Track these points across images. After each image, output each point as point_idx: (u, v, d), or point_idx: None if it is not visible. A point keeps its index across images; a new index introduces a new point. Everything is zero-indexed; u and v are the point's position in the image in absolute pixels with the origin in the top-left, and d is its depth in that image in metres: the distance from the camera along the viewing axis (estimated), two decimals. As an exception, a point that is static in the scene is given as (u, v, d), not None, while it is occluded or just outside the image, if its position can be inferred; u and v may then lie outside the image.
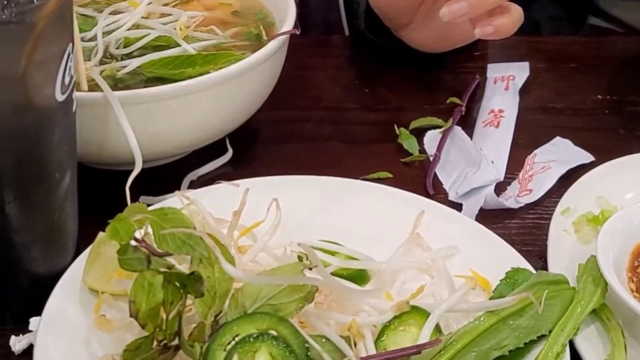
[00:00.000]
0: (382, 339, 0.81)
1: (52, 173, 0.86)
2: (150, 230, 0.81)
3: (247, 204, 0.92)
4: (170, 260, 0.80)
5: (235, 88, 1.03)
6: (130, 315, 0.79)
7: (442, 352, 0.79)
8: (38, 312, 0.85)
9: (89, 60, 1.06)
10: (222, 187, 0.97)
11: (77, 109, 0.89)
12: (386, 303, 0.84)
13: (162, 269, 0.79)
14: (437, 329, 0.82)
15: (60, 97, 0.84)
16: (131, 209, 0.82)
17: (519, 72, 1.24)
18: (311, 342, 0.76)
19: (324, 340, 0.79)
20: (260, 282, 0.79)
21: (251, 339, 0.75)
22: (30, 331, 0.87)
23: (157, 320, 0.79)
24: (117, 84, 1.04)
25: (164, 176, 1.08)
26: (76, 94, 0.89)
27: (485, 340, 0.80)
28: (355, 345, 0.80)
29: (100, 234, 0.89)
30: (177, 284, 0.79)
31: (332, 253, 0.91)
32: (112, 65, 1.06)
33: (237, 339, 0.76)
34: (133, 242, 0.79)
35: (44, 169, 0.85)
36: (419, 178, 1.09)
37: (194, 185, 1.07)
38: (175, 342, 0.79)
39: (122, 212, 0.81)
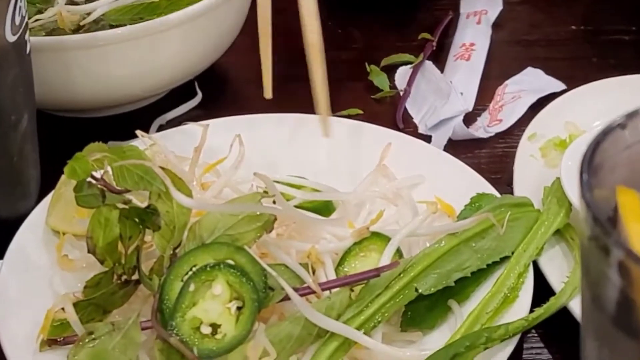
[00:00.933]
0: (342, 266, 0.81)
1: (7, 115, 0.85)
2: (109, 169, 0.81)
3: (215, 144, 0.91)
4: (129, 196, 0.80)
5: (201, 27, 1.02)
6: (88, 251, 0.78)
7: (402, 275, 0.78)
8: (2, 255, 0.85)
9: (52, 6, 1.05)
10: (189, 128, 0.96)
11: (36, 54, 0.88)
12: (347, 231, 0.83)
13: (119, 205, 0.79)
14: (399, 253, 0.81)
15: (11, 38, 0.83)
16: (90, 148, 0.82)
17: (492, 6, 1.23)
18: (268, 269, 0.76)
19: (283, 268, 0.79)
20: (215, 211, 0.78)
21: (208, 268, 0.75)
22: None
23: (115, 255, 0.79)
24: (80, 31, 1.03)
25: (133, 122, 1.05)
26: (33, 38, 0.88)
27: (446, 262, 0.80)
28: (314, 272, 0.79)
29: (63, 177, 0.87)
30: (136, 219, 0.79)
31: (298, 187, 0.91)
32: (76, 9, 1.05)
33: (194, 269, 0.75)
34: (89, 179, 0.80)
35: (-2, 111, 0.85)
36: (390, 113, 1.09)
37: (163, 129, 1.06)
38: (135, 276, 0.79)
39: None
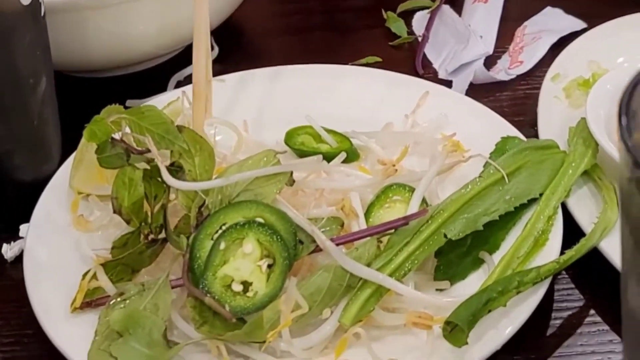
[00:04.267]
0: (369, 218, 0.80)
1: (25, 79, 0.85)
2: (128, 130, 0.80)
3: (236, 99, 0.91)
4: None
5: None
6: (114, 212, 0.79)
7: (430, 221, 0.77)
8: (28, 219, 0.85)
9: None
10: (208, 84, 0.95)
11: (50, 16, 0.88)
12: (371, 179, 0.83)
13: (142, 164, 0.79)
14: (424, 202, 0.81)
15: (25, 1, 0.83)
16: (108, 110, 0.81)
17: (508, -55, 1.20)
18: (303, 222, 0.75)
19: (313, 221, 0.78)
20: (233, 180, 0.77)
21: (238, 227, 0.74)
22: (21, 238, 0.87)
23: (141, 215, 0.79)
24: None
25: (150, 79, 1.07)
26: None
27: (474, 206, 0.79)
28: (342, 225, 0.79)
29: (84, 139, 0.88)
30: (159, 178, 0.78)
31: (328, 131, 0.90)
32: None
33: (224, 227, 0.75)
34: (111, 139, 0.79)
35: (17, 75, 0.84)
36: (409, 60, 1.07)
37: (181, 85, 1.04)
38: (162, 235, 0.79)
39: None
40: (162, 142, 0.78)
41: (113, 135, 0.79)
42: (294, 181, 0.78)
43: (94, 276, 0.77)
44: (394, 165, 0.79)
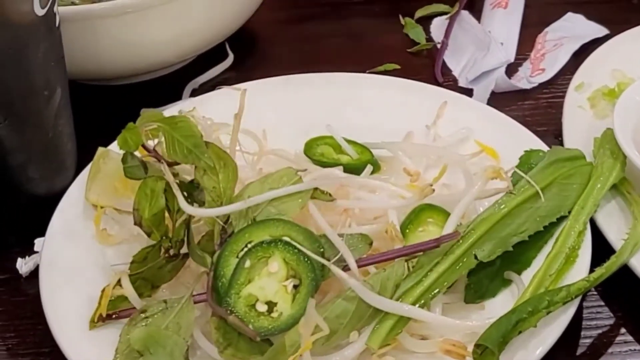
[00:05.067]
0: (403, 241, 0.78)
1: (40, 90, 0.84)
2: (163, 139, 0.79)
3: (253, 107, 0.88)
4: (176, 168, 0.79)
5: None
6: (135, 223, 0.77)
7: (461, 241, 0.76)
8: (43, 232, 0.83)
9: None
10: (224, 92, 0.93)
11: (64, 25, 0.86)
12: (403, 191, 0.81)
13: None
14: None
15: (40, 12, 0.81)
16: (145, 117, 0.79)
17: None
18: (336, 239, 0.73)
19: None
20: (254, 202, 0.76)
21: (264, 245, 0.73)
22: (36, 252, 0.86)
23: (162, 228, 0.77)
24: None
25: (165, 87, 1.05)
26: (60, 8, 0.86)
27: (504, 226, 0.77)
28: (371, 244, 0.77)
29: (100, 149, 0.87)
30: (185, 192, 0.77)
31: (349, 142, 0.88)
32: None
33: (249, 245, 0.73)
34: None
35: (31, 87, 0.83)
36: (428, 67, 1.06)
37: (196, 93, 1.04)
38: (183, 250, 0.77)
39: (121, 127, 0.78)
40: (190, 156, 0.77)
41: (145, 144, 0.78)
42: (333, 199, 0.77)
43: (118, 283, 0.76)
44: (431, 185, 0.77)
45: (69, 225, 0.84)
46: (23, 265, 0.86)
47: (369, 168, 0.86)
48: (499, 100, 0.99)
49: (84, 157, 0.89)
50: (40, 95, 0.84)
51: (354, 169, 0.85)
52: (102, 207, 0.84)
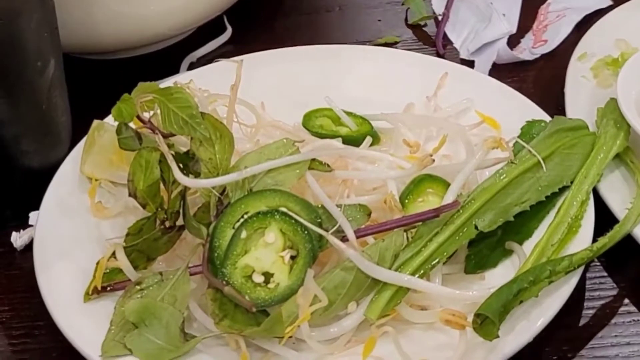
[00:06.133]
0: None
1: (33, 61, 0.82)
2: (159, 111, 0.78)
3: (251, 80, 0.87)
4: (171, 140, 0.77)
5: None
6: (129, 195, 0.76)
7: (461, 211, 0.74)
8: (37, 206, 0.82)
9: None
10: (222, 65, 0.91)
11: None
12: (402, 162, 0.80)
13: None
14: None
15: (32, -20, 0.80)
16: (140, 88, 0.78)
17: None
18: (335, 212, 0.72)
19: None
20: (250, 173, 0.75)
21: (260, 215, 0.72)
22: (31, 226, 0.85)
23: (157, 200, 0.76)
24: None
25: (162, 61, 1.04)
26: (54, -22, 0.84)
27: (505, 196, 0.76)
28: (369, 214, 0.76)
29: (95, 122, 0.86)
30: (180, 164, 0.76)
31: (348, 114, 0.87)
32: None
33: (246, 216, 0.72)
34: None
35: (24, 58, 0.82)
36: (428, 39, 1.04)
37: (193, 67, 1.02)
38: (179, 222, 0.76)
39: (116, 101, 0.77)
40: (185, 128, 0.76)
41: (141, 115, 0.77)
42: (332, 169, 0.76)
43: (113, 256, 0.75)
44: (431, 156, 0.76)
45: (63, 199, 0.83)
46: (17, 239, 0.85)
47: (368, 140, 0.84)
48: (501, 72, 0.97)
49: (78, 131, 0.87)
50: (33, 66, 0.82)
51: (353, 141, 0.84)
52: (97, 180, 0.83)
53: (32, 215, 0.85)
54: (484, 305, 0.67)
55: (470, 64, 0.99)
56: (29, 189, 0.85)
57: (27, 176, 0.86)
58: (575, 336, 0.75)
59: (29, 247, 0.83)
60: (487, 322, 0.67)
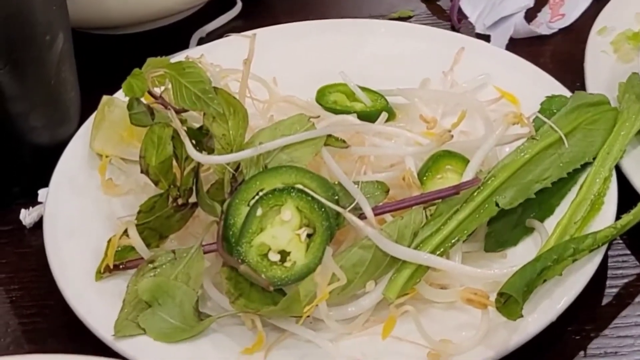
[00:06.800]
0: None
1: (41, 35, 0.81)
2: (170, 86, 0.76)
3: (263, 55, 0.85)
4: (184, 115, 0.76)
5: None
6: (141, 172, 0.75)
7: (481, 188, 0.73)
8: (47, 183, 0.81)
9: None
10: (233, 40, 0.89)
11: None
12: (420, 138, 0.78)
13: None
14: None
15: (40, -49, 0.78)
16: (151, 63, 0.76)
17: None
18: (351, 186, 0.71)
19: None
20: (265, 149, 0.73)
21: (276, 193, 0.70)
22: (40, 203, 0.83)
23: (170, 177, 0.75)
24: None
25: (171, 36, 1.03)
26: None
27: (526, 172, 0.74)
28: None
29: (105, 97, 0.84)
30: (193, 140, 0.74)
31: (363, 89, 0.85)
32: None
33: (261, 193, 0.71)
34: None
35: (32, 32, 0.80)
36: (443, 13, 1.03)
37: (203, 42, 1.00)
38: (192, 199, 0.75)
39: (126, 76, 0.76)
40: (198, 103, 0.74)
41: (152, 91, 0.75)
42: (348, 145, 0.74)
43: (125, 234, 0.73)
44: (449, 131, 0.74)
45: (73, 176, 0.81)
46: (27, 217, 0.83)
47: (384, 116, 0.83)
48: (518, 46, 0.96)
49: (88, 108, 0.86)
50: (42, 40, 0.81)
51: (368, 117, 0.82)
52: (107, 157, 0.81)
53: (41, 192, 0.83)
54: (507, 284, 0.66)
55: (486, 38, 0.98)
56: (37, 166, 0.84)
57: (36, 152, 0.85)
58: (598, 315, 0.73)
59: (38, 224, 0.82)
60: (510, 301, 0.65)
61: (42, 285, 0.78)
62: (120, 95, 0.78)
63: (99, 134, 0.83)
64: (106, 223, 0.78)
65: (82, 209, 0.79)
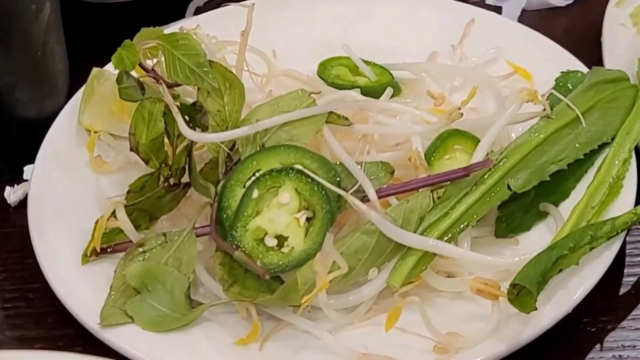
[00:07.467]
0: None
1: (27, 4, 0.78)
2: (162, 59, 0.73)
3: (262, 26, 0.82)
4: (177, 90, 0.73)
5: None
6: (131, 149, 0.72)
7: (493, 170, 0.70)
8: (33, 159, 0.78)
9: None
10: (231, 9, 0.86)
11: None
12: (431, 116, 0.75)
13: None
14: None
15: None
16: (142, 34, 0.73)
17: None
18: (354, 167, 0.68)
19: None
20: (263, 126, 0.70)
21: (274, 174, 0.67)
22: (26, 180, 0.81)
23: (161, 155, 0.72)
24: None
25: (166, 5, 0.99)
26: None
27: (540, 153, 0.71)
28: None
29: (95, 69, 0.81)
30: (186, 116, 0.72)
31: (367, 63, 0.82)
32: None
33: (257, 174, 0.68)
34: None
35: (16, 1, 0.77)
36: (453, -16, 0.99)
37: (200, 12, 0.97)
38: (184, 179, 0.72)
39: (116, 47, 0.72)
40: (192, 77, 0.71)
41: (144, 63, 0.72)
42: (351, 123, 0.71)
43: (113, 215, 0.70)
44: (459, 109, 0.71)
45: (60, 152, 0.79)
46: (11, 194, 0.81)
47: (389, 91, 0.79)
48: (531, 19, 0.93)
49: (77, 80, 0.83)
50: (27, 9, 0.78)
51: (372, 92, 0.79)
52: (96, 132, 0.79)
53: (27, 169, 0.81)
54: (520, 274, 0.62)
55: (497, 10, 0.95)
56: (23, 141, 0.82)
57: (22, 127, 0.83)
58: (615, 306, 0.70)
59: (23, 203, 0.79)
60: (523, 292, 0.62)
61: (27, 267, 0.75)
62: (111, 68, 0.75)
63: (88, 109, 0.80)
64: (94, 203, 0.75)
65: (69, 188, 0.76)
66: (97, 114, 0.80)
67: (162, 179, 0.72)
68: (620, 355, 0.67)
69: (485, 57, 0.83)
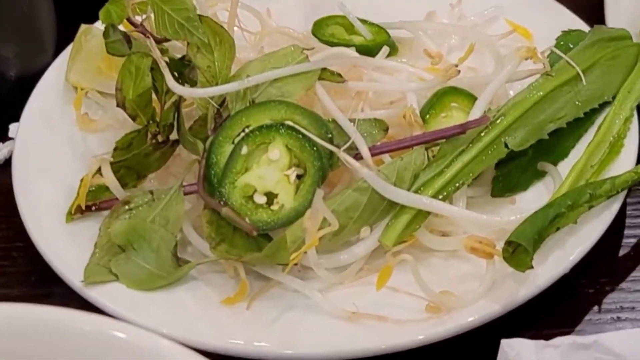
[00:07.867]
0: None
1: (13, -46, 0.77)
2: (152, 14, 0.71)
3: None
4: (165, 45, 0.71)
5: None
6: (117, 105, 0.70)
7: (490, 128, 0.68)
8: (18, 117, 0.77)
9: None
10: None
11: None
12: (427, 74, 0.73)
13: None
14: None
15: None
16: None
17: None
18: (347, 123, 0.66)
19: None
20: (253, 82, 0.68)
21: (264, 130, 0.66)
22: (11, 139, 0.79)
23: (148, 111, 0.70)
24: None
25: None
26: None
27: (539, 111, 0.70)
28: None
29: (83, 26, 0.80)
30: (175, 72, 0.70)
31: (363, 22, 0.80)
32: None
33: (247, 130, 0.66)
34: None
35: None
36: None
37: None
38: (173, 136, 0.70)
39: (104, 2, 0.71)
40: (181, 32, 0.70)
41: (132, 19, 0.71)
42: (344, 80, 0.70)
43: (99, 172, 0.69)
44: (456, 66, 0.69)
45: (47, 110, 0.77)
46: (-4, 153, 0.80)
47: (385, 50, 0.77)
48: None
49: (65, 38, 0.82)
50: (12, -41, 0.77)
51: (367, 52, 0.77)
52: (83, 90, 0.77)
53: (12, 127, 0.79)
54: (516, 232, 0.61)
55: (496, -30, 0.92)
56: (9, 99, 0.80)
57: (7, 85, 0.81)
58: (614, 268, 0.69)
59: (8, 161, 0.77)
60: (519, 250, 0.60)
61: (11, 226, 0.74)
62: (100, 25, 0.73)
63: (75, 65, 0.79)
64: (80, 161, 0.73)
65: (55, 146, 0.75)
66: (85, 71, 0.78)
67: (149, 135, 0.70)
68: (618, 317, 0.66)
69: (484, 16, 0.82)
